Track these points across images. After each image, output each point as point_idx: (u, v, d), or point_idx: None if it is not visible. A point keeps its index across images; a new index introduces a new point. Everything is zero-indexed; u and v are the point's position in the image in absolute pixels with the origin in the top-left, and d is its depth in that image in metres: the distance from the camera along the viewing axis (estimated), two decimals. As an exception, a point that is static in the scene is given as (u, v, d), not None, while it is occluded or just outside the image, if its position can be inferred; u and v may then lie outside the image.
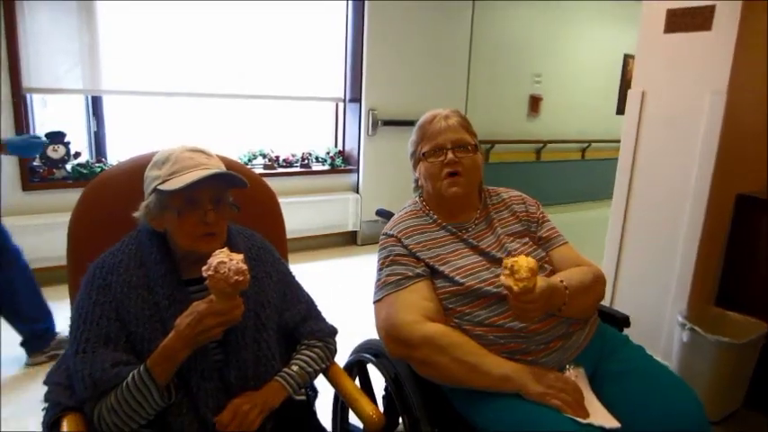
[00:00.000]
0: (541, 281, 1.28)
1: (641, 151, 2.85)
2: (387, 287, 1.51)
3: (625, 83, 7.65)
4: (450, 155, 1.58)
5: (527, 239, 1.64)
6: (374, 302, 1.56)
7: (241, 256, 1.14)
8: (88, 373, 1.16)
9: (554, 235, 1.69)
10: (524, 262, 1.23)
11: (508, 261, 1.24)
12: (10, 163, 3.58)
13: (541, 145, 7.11)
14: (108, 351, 1.19)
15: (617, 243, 3.00)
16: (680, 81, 2.65)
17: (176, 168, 1.26)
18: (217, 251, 1.14)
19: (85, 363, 1.17)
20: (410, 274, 1.51)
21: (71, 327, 1.25)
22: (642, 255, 2.91)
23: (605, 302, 1.74)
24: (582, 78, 7.35)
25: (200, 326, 1.13)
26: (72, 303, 1.37)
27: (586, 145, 7.63)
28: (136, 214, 1.31)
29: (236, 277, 1.11)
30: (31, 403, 2.40)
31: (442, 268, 1.52)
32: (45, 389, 1.29)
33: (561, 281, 1.42)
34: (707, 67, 2.54)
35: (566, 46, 7.08)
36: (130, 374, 1.16)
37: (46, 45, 3.64)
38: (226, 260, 1.11)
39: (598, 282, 1.56)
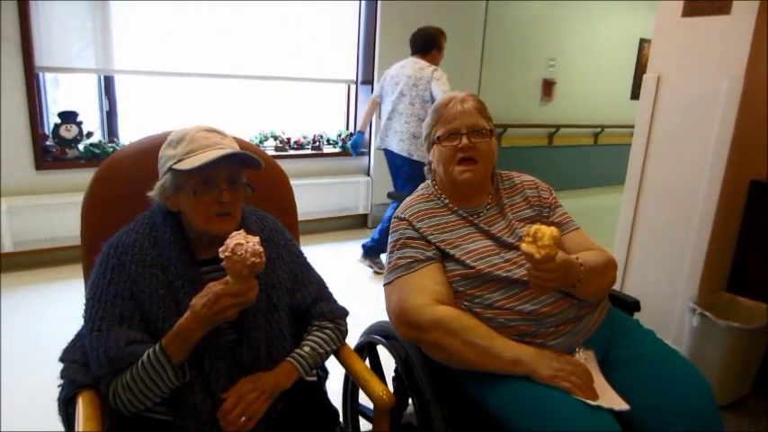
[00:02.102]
0: (561, 253, 1.29)
1: (655, 137, 2.83)
2: (397, 270, 1.52)
3: (640, 67, 7.57)
4: (464, 140, 1.57)
5: (538, 225, 1.64)
6: (385, 285, 1.57)
7: (257, 239, 1.15)
8: (103, 351, 1.17)
9: (566, 220, 1.68)
10: (547, 230, 1.23)
11: (531, 228, 1.24)
12: (22, 142, 3.61)
13: (554, 129, 7.06)
14: (122, 330, 1.20)
15: (628, 228, 2.99)
16: (696, 66, 2.62)
17: (192, 148, 1.26)
18: (234, 233, 1.15)
19: (100, 341, 1.18)
20: (421, 257, 1.51)
21: (86, 305, 1.26)
22: (654, 240, 2.89)
23: (616, 286, 1.74)
24: (596, 62, 7.28)
25: (216, 306, 1.13)
26: (86, 282, 1.38)
27: (599, 130, 7.57)
28: (150, 194, 1.31)
29: (253, 259, 1.11)
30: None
31: (452, 252, 1.52)
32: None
33: (576, 257, 1.42)
34: (724, 52, 2.50)
35: (580, 30, 7.00)
36: (145, 353, 1.17)
37: (59, 23, 3.64)
38: (243, 242, 1.12)
39: (610, 266, 1.55)
